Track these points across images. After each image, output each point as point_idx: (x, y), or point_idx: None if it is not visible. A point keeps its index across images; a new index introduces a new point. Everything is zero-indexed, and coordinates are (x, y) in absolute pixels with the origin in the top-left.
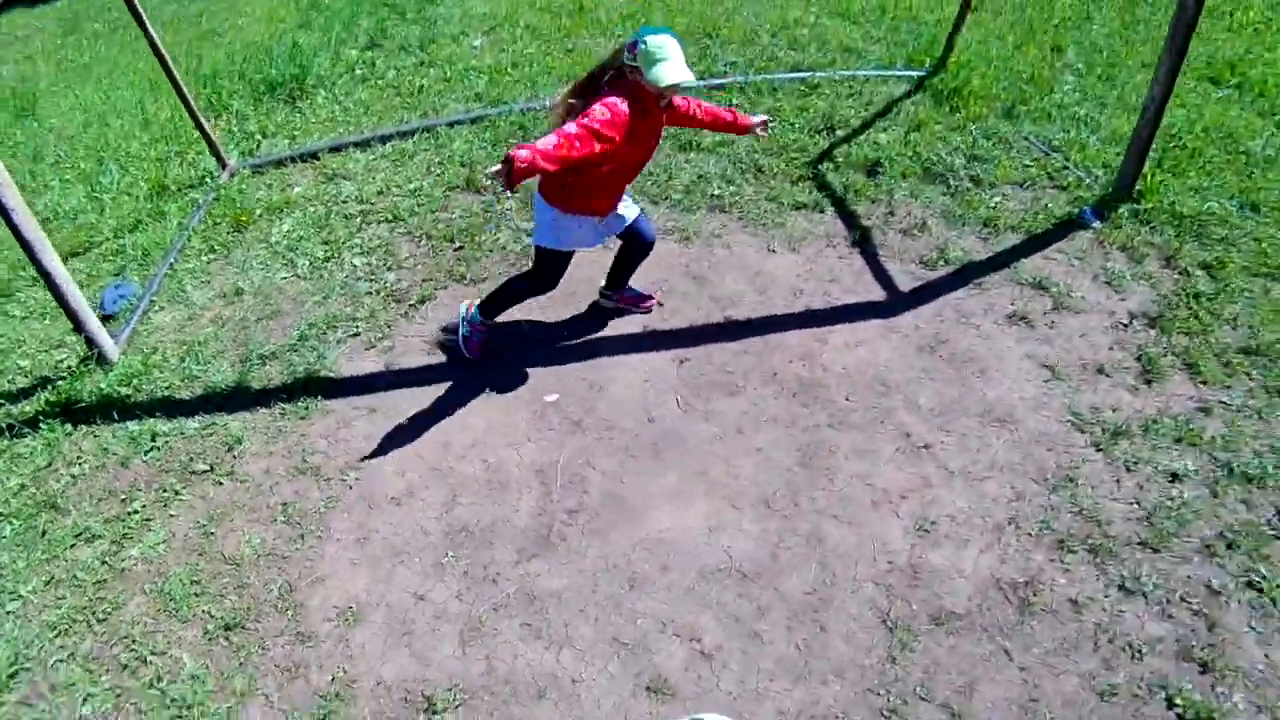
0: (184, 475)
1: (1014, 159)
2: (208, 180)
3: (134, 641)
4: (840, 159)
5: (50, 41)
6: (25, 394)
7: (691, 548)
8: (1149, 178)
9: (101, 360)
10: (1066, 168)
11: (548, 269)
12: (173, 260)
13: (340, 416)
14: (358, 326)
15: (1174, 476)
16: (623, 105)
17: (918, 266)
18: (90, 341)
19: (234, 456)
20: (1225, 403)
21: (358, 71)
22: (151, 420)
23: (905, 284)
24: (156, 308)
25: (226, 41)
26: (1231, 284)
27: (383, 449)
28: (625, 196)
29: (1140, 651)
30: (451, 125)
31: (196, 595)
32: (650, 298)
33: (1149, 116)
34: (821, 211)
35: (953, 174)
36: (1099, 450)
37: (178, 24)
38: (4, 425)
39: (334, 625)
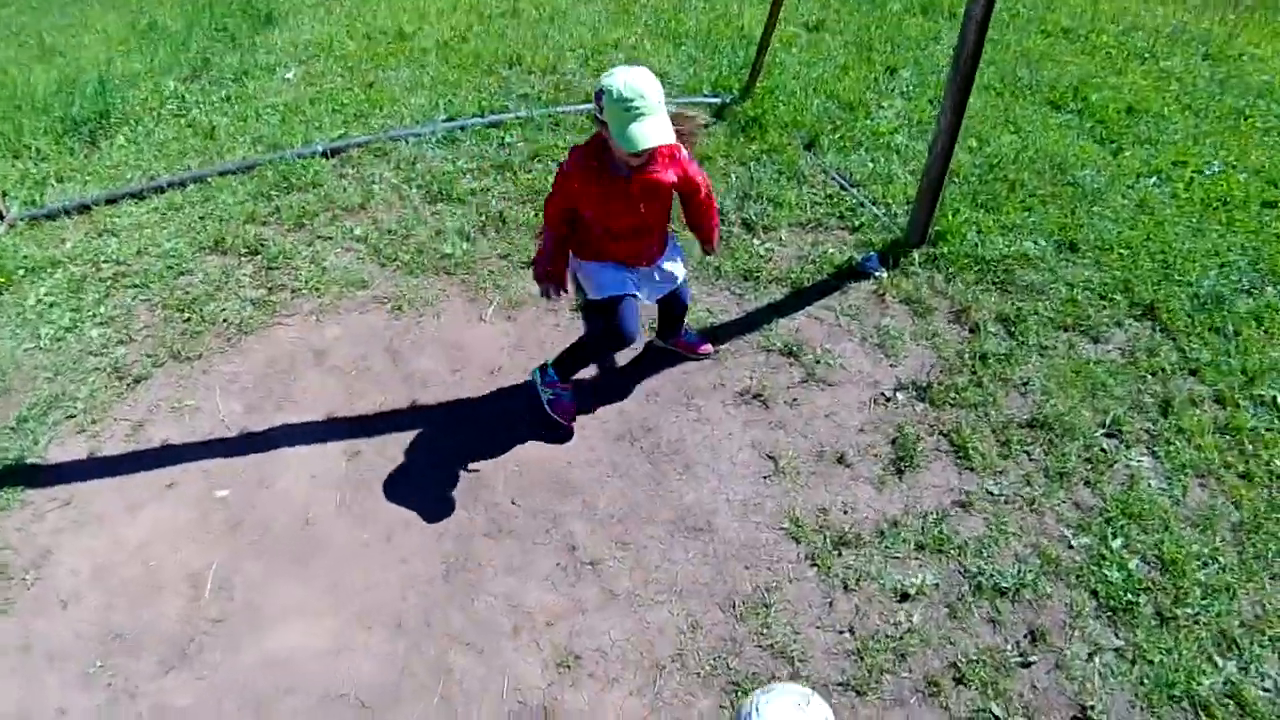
0: None
1: (803, 197)
2: None
3: None
4: None
5: None
6: None
7: (318, 669)
8: (951, 216)
9: None
10: (862, 205)
11: (598, 320)
12: None
13: (36, 509)
14: (76, 407)
15: (904, 596)
16: (574, 170)
17: (647, 334)
18: None
19: None
20: (993, 493)
21: (168, 107)
22: None
23: (624, 355)
24: None
25: (64, 62)
26: (1029, 340)
27: (64, 545)
28: (676, 256)
29: None
30: (222, 174)
31: None
32: (706, 343)
33: (938, 151)
34: None
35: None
36: (814, 565)
37: (22, 36)
38: None
39: None
